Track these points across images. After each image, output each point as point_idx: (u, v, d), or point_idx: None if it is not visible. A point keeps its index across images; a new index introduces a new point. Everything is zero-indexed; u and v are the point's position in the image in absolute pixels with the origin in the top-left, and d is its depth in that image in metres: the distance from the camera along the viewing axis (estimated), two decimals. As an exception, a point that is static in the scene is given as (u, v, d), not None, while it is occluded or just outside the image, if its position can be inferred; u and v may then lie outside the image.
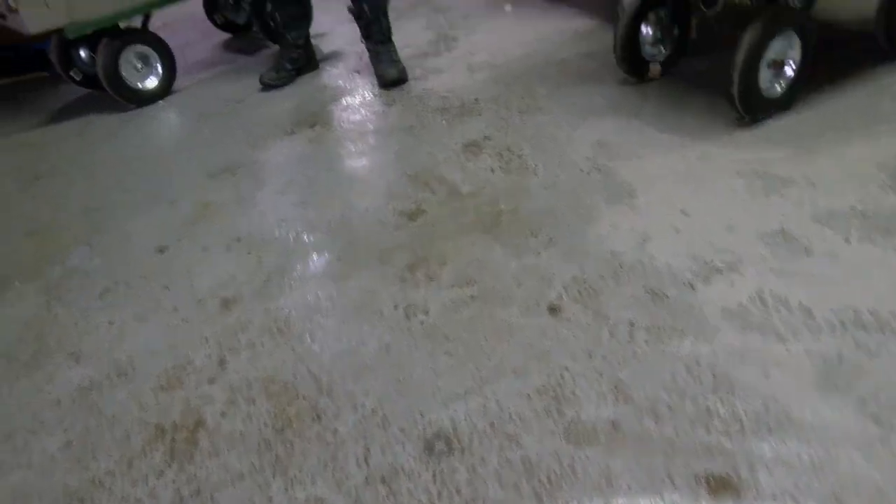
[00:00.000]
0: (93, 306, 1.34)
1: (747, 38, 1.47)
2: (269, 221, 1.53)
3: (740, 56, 1.48)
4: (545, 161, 1.58)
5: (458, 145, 1.71)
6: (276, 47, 2.52)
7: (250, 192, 1.66)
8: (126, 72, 2.19)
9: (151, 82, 2.27)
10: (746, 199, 1.33)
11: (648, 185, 1.42)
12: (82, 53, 2.39)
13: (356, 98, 2.09)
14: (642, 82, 1.88)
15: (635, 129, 1.65)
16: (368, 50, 2.16)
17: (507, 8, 2.69)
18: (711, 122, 1.62)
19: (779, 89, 1.57)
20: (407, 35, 2.49)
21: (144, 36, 2.22)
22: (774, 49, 1.52)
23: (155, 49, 2.24)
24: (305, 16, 2.27)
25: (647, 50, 1.86)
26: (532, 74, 2.05)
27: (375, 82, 2.15)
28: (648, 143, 1.58)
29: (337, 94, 2.14)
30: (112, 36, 2.13)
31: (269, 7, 2.47)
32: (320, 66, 2.39)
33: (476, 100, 1.95)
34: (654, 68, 1.88)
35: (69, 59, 2.37)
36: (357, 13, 2.10)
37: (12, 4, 1.87)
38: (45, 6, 1.94)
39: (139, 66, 2.23)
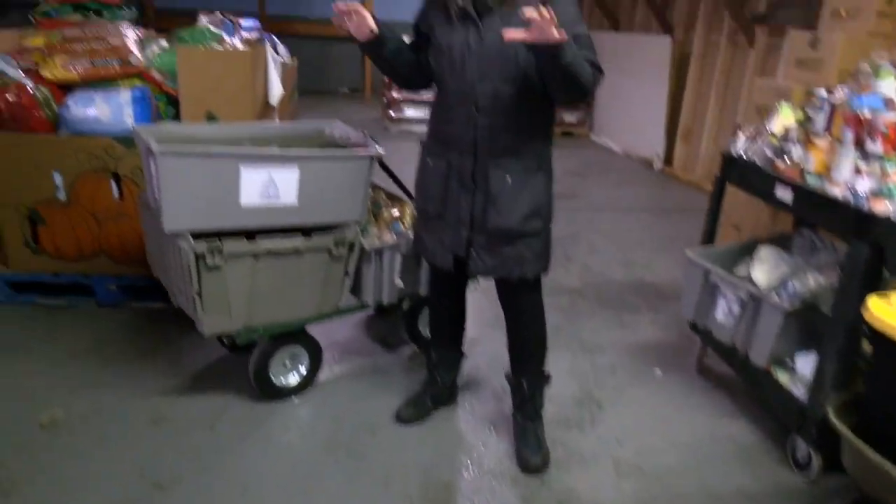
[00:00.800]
0: None
1: None
2: None
3: None
4: None
5: None
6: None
7: None
8: (274, 369, 2.20)
9: (293, 379, 2.26)
10: None
11: None
12: (239, 320, 2.46)
13: (492, 477, 1.96)
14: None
15: None
16: (515, 421, 2.06)
17: (658, 373, 2.59)
18: None
19: None
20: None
21: (303, 338, 2.25)
22: None
23: (307, 350, 2.26)
24: (460, 359, 2.25)
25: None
26: (687, 513, 1.86)
27: (514, 454, 2.04)
28: None
29: (472, 462, 2.02)
30: (273, 335, 2.17)
31: (423, 330, 2.50)
32: (459, 396, 2.32)
33: (623, 536, 1.76)
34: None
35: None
36: (514, 386, 2.05)
37: (199, 315, 1.95)
38: (228, 315, 2.01)
39: (287, 364, 2.24)
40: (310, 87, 7.24)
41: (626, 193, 5.25)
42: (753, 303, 2.08)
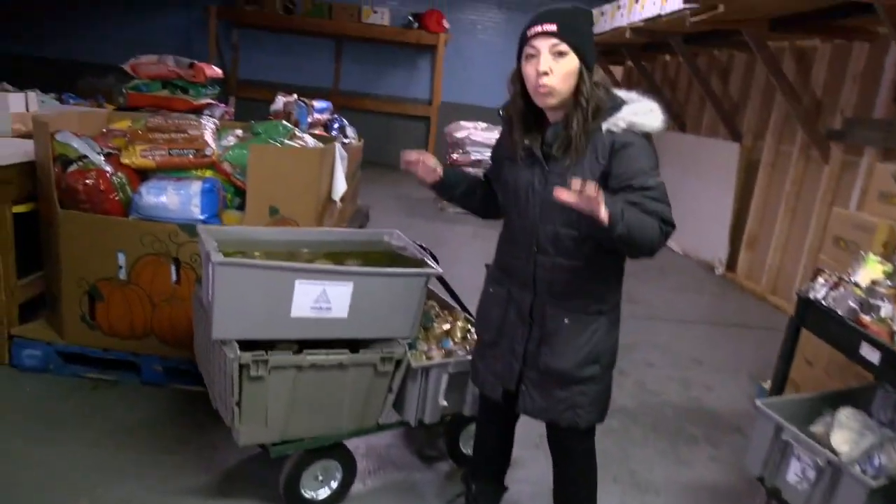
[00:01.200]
0: None
1: None
2: None
3: None
4: None
5: None
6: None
7: None
8: (305, 482, 2.10)
9: (324, 493, 2.15)
10: None
11: None
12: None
13: None
14: None
15: None
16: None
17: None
18: None
19: None
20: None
21: (339, 452, 2.16)
22: None
23: (342, 464, 2.16)
24: (501, 494, 2.11)
25: None
26: None
27: None
28: None
29: None
30: (309, 447, 2.09)
31: (463, 447, 2.38)
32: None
33: None
34: None
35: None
36: (559, 535, 1.89)
37: (237, 425, 1.89)
38: (265, 426, 1.95)
39: (320, 476, 2.14)
40: (373, 159, 7.43)
41: (685, 300, 5.04)
42: (832, 470, 1.88)
